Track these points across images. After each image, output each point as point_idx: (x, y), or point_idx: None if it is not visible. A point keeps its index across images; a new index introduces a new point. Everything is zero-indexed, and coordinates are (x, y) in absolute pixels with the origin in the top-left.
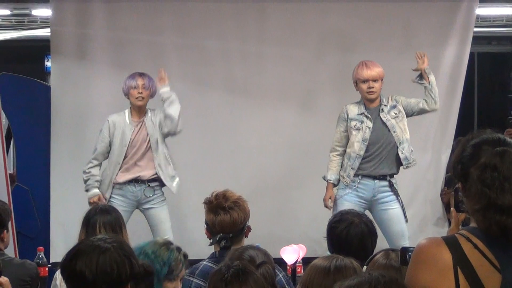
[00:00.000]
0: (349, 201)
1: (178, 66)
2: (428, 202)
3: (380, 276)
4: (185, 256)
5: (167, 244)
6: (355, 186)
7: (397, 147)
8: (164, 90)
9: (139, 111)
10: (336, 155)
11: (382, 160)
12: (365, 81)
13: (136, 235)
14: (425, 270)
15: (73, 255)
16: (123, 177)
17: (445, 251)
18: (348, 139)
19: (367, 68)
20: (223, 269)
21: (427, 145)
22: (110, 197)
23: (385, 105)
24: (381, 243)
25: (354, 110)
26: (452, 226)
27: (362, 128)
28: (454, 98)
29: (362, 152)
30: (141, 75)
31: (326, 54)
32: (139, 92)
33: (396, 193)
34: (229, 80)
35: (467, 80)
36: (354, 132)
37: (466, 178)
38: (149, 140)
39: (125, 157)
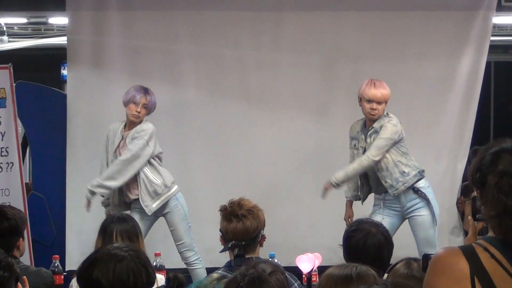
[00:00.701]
0: (381, 214)
1: (193, 74)
2: (444, 210)
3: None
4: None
5: (220, 278)
6: (382, 200)
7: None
8: None
9: (132, 125)
10: None
11: (380, 179)
12: (369, 101)
13: (150, 243)
14: (442, 279)
15: (90, 263)
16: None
17: (462, 261)
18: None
19: (375, 89)
20: (238, 278)
21: (443, 154)
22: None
23: (372, 127)
24: (398, 253)
25: (356, 128)
26: (469, 235)
27: (358, 147)
28: (471, 107)
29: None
30: (147, 93)
31: (341, 63)
32: (137, 111)
33: (424, 198)
34: (244, 88)
35: (483, 89)
36: (355, 152)
37: (483, 185)
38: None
39: None
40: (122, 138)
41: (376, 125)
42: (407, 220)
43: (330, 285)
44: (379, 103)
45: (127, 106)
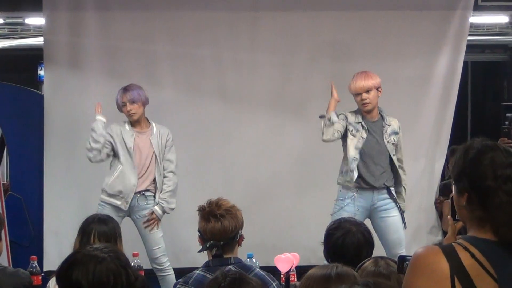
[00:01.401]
0: (348, 212)
1: (170, 74)
2: (422, 210)
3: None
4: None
5: None
6: (353, 196)
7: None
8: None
9: (138, 122)
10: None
11: (382, 172)
12: (357, 94)
13: (128, 244)
14: (422, 279)
15: (70, 264)
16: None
17: (442, 260)
18: (343, 129)
19: (355, 81)
20: (219, 278)
21: (420, 153)
22: (99, 204)
23: (388, 125)
24: (377, 252)
25: (352, 118)
26: (448, 234)
27: (356, 136)
28: (448, 107)
29: (358, 156)
30: (125, 90)
31: (319, 62)
32: (127, 110)
33: (395, 200)
34: (221, 88)
35: (460, 89)
36: (350, 137)
37: (477, 190)
38: (153, 153)
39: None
40: (138, 133)
41: (393, 123)
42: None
43: (311, 285)
44: (367, 91)
45: (122, 112)
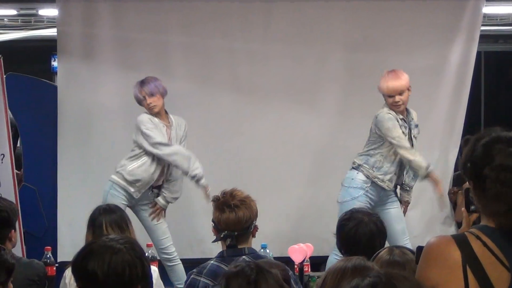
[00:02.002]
0: (361, 202)
1: (183, 66)
2: (436, 201)
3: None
4: None
5: None
6: (366, 187)
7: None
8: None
9: (160, 115)
10: None
11: (407, 172)
12: (390, 96)
13: (143, 233)
14: (435, 268)
15: (85, 254)
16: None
17: (454, 249)
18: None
19: (389, 82)
20: (247, 271)
21: (434, 144)
22: (109, 193)
23: (412, 119)
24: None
25: (395, 116)
26: (463, 226)
27: (407, 135)
28: (461, 97)
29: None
30: (142, 84)
31: (332, 53)
32: (148, 103)
33: (395, 192)
34: (234, 80)
35: (473, 79)
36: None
37: (479, 178)
38: None
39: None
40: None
41: (414, 116)
42: None
43: (328, 278)
44: (400, 94)
45: (142, 105)
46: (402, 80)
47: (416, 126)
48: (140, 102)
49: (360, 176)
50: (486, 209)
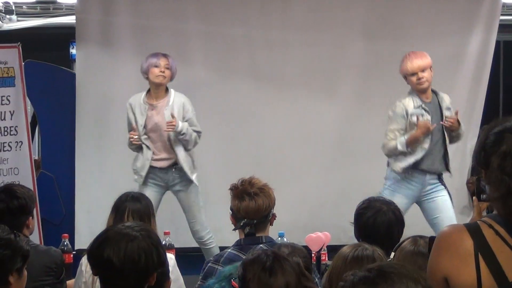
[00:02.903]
0: (401, 194)
1: (202, 53)
2: (454, 190)
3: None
4: None
5: None
6: (408, 179)
7: (446, 149)
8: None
9: (158, 91)
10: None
11: (436, 156)
12: (413, 74)
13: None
14: (447, 256)
15: (101, 241)
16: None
17: (466, 238)
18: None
19: (411, 61)
20: (262, 257)
21: None
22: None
23: (442, 101)
24: (407, 232)
25: (410, 105)
26: (474, 214)
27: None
28: (480, 87)
29: (427, 146)
30: (165, 55)
31: (351, 42)
32: (161, 71)
33: (444, 184)
34: (253, 67)
35: (492, 69)
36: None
37: (488, 165)
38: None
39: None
40: (152, 107)
41: (445, 98)
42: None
43: (335, 265)
44: (423, 71)
45: (149, 71)
46: (425, 58)
47: (449, 109)
48: (149, 67)
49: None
50: (491, 196)
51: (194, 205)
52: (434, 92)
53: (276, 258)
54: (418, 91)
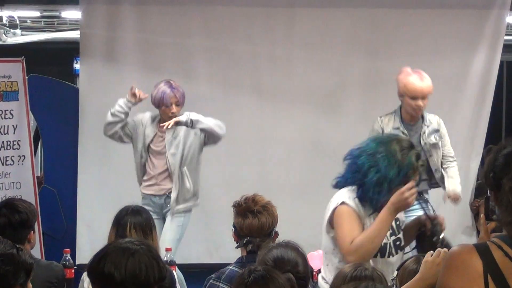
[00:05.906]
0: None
1: (206, 70)
2: (457, 210)
3: None
4: None
5: None
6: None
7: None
8: (184, 120)
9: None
10: None
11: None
12: (414, 98)
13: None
14: (456, 277)
15: (102, 257)
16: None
17: (476, 258)
18: None
19: (415, 83)
20: (245, 274)
21: (456, 152)
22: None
23: (427, 126)
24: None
25: (389, 124)
26: (481, 234)
27: None
28: (484, 106)
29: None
30: (173, 89)
31: (355, 59)
32: (172, 112)
33: (425, 201)
34: (256, 84)
35: (495, 88)
36: None
37: (498, 187)
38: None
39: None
40: (157, 134)
41: (432, 123)
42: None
43: (334, 282)
44: (423, 98)
45: (160, 109)
46: (429, 84)
47: (437, 131)
48: (160, 105)
49: None
50: (502, 219)
51: (166, 233)
52: (422, 115)
53: (257, 277)
54: (408, 114)
